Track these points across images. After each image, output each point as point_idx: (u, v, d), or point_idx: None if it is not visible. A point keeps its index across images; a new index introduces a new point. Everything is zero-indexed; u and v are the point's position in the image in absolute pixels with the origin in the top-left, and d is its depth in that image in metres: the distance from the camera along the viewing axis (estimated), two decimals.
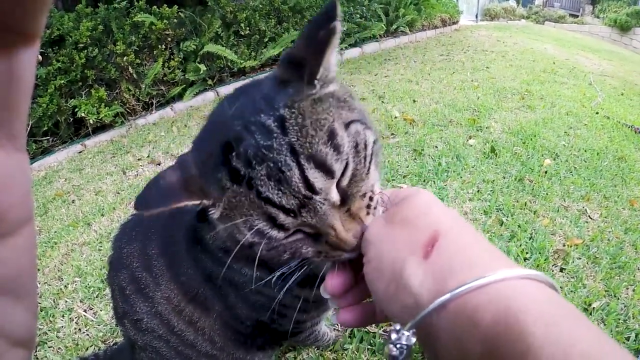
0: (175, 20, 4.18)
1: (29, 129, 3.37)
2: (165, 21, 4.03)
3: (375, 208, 0.55)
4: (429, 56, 5.44)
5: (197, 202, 0.52)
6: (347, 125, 0.52)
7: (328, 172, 0.49)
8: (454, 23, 7.49)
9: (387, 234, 0.46)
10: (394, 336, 0.39)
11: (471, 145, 2.62)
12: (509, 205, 1.98)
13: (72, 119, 3.67)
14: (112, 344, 1.41)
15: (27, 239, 0.22)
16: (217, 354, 0.92)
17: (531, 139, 2.68)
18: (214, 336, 0.89)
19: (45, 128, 3.48)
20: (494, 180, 2.21)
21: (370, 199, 0.55)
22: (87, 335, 1.50)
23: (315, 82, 0.51)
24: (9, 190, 0.20)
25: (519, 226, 1.83)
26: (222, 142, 0.51)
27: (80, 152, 3.57)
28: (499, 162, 2.40)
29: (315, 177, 0.48)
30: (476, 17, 11.47)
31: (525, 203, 2.01)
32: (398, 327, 0.39)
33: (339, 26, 0.49)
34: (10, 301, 0.22)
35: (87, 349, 1.43)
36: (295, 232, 0.53)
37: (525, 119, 3.10)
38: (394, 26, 6.19)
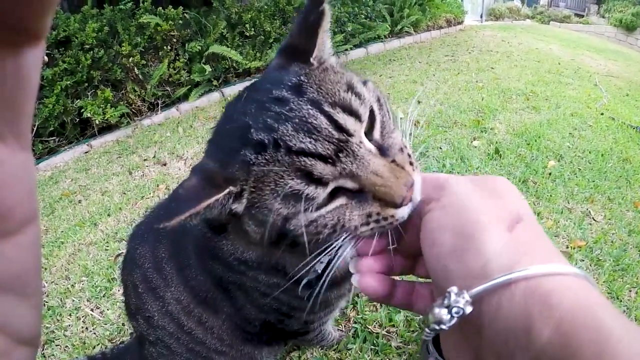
0: (180, 22, 4.20)
1: (35, 129, 3.41)
2: (170, 22, 4.05)
3: (416, 167, 0.52)
4: (434, 57, 5.44)
5: (225, 192, 0.50)
6: (364, 83, 0.55)
7: (355, 115, 0.49)
8: (458, 23, 7.48)
9: (474, 192, 0.43)
10: (452, 297, 0.37)
11: (475, 147, 2.62)
12: None
13: (78, 120, 3.70)
14: (118, 342, 1.43)
15: (32, 238, 0.22)
16: (226, 350, 0.94)
17: (535, 141, 2.68)
18: (223, 334, 0.91)
19: (52, 128, 3.51)
20: None
21: (409, 155, 0.53)
22: (94, 334, 1.51)
23: (312, 60, 0.53)
24: (14, 188, 0.20)
25: None
26: (239, 126, 0.52)
27: (86, 153, 3.60)
28: (503, 163, 2.40)
29: (344, 119, 0.48)
30: (481, 17, 11.43)
31: (529, 205, 2.01)
32: (456, 289, 0.37)
33: (327, 8, 0.52)
34: (16, 299, 0.22)
35: (94, 347, 1.45)
36: (335, 196, 0.50)
37: (529, 120, 3.10)
38: (399, 27, 6.19)
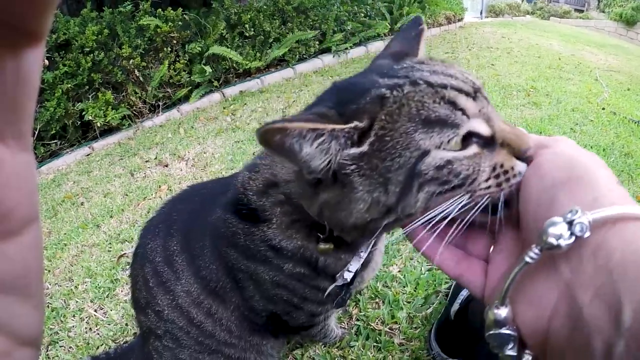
0: (180, 23, 4.20)
1: (37, 132, 3.43)
2: (170, 24, 4.05)
3: None
4: (434, 54, 5.42)
5: (351, 125, 0.50)
6: None
7: (475, 81, 0.54)
8: (458, 20, 7.47)
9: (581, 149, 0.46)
10: (578, 214, 0.36)
11: None
12: None
13: (79, 122, 3.71)
14: (122, 342, 1.43)
15: (33, 238, 0.22)
16: (235, 342, 0.95)
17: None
18: (232, 325, 0.92)
19: (53, 132, 3.52)
20: None
21: None
22: (98, 334, 1.52)
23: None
24: (15, 189, 0.20)
25: None
26: (363, 83, 0.55)
27: (88, 155, 3.61)
28: None
29: (472, 75, 0.55)
30: (481, 14, 11.43)
31: None
32: (580, 208, 0.36)
33: (425, 28, 0.67)
34: (18, 300, 0.22)
35: (97, 347, 1.45)
36: (468, 143, 0.50)
37: (530, 115, 3.09)
38: (398, 24, 6.17)
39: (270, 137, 0.48)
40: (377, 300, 1.45)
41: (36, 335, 0.25)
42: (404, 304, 1.41)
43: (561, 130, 2.80)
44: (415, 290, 1.46)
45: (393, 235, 1.70)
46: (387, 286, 1.50)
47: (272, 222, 0.75)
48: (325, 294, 0.79)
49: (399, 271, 1.56)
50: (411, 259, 1.60)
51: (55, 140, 3.63)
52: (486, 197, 0.49)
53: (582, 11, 14.58)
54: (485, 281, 0.48)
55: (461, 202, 0.49)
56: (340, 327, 1.36)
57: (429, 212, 0.50)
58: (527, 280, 0.41)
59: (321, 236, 0.71)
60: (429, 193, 0.49)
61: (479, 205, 0.49)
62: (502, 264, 0.47)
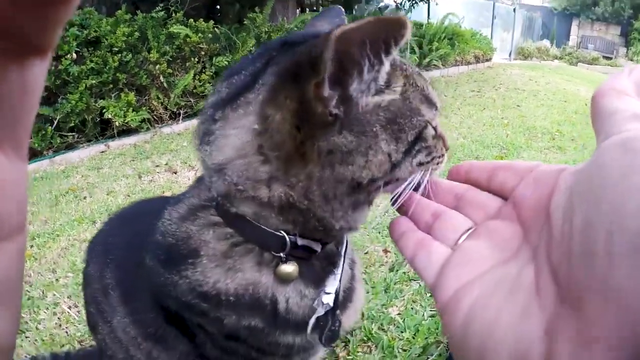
0: (210, 35, 4.28)
1: (56, 123, 3.47)
2: (200, 35, 4.13)
3: None
4: (460, 91, 5.40)
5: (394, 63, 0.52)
6: None
7: None
8: (487, 60, 7.47)
9: None
10: None
11: None
12: None
13: (99, 119, 3.76)
14: (87, 345, 1.36)
15: (18, 246, 0.22)
16: None
17: None
18: None
19: (72, 124, 3.57)
20: None
21: None
22: (66, 332, 1.45)
23: None
24: (7, 197, 0.20)
25: None
26: None
27: (102, 152, 3.64)
28: None
29: None
30: (509, 55, 11.46)
31: None
32: None
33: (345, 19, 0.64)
34: None
35: (62, 345, 1.38)
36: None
37: (554, 159, 2.99)
38: (427, 59, 6.19)
39: (349, 44, 0.42)
40: (369, 344, 1.32)
41: (9, 346, 0.23)
42: (399, 352, 1.27)
43: None
44: (414, 338, 1.31)
45: (397, 273, 1.60)
46: (382, 329, 1.36)
47: (199, 256, 0.57)
48: (309, 330, 0.61)
49: (399, 314, 1.43)
50: (414, 302, 1.48)
51: (73, 133, 3.67)
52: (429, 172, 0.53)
53: (610, 58, 14.45)
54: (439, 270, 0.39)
55: (421, 173, 0.52)
56: None
57: (407, 180, 0.51)
58: None
59: (282, 255, 0.56)
60: (417, 160, 0.52)
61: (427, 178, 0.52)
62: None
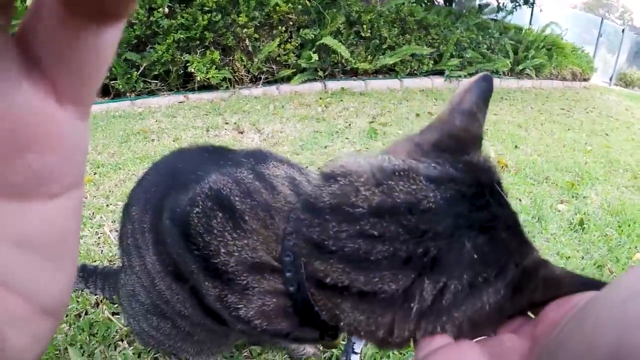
0: (300, 7, 4.30)
1: (141, 69, 3.69)
2: (290, 5, 4.16)
3: None
4: (548, 106, 5.03)
5: None
6: None
7: None
8: (584, 80, 6.89)
9: None
10: None
11: (559, 211, 2.30)
12: None
13: (182, 72, 3.93)
14: (115, 265, 1.45)
15: (74, 203, 0.22)
16: (189, 315, 0.88)
17: (629, 225, 2.27)
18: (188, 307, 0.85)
19: (156, 73, 3.76)
20: (569, 257, 1.88)
21: None
22: (101, 250, 1.56)
23: None
24: (66, 153, 0.20)
25: None
26: None
27: (180, 102, 3.81)
28: (583, 238, 2.06)
29: None
30: (610, 79, 10.53)
31: None
32: None
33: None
34: (48, 265, 0.22)
35: (94, 261, 1.49)
36: None
37: (630, 200, 2.67)
38: (520, 66, 5.80)
39: None
40: None
41: (60, 306, 0.24)
42: None
43: None
44: None
45: None
46: None
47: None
48: None
49: None
50: None
51: (157, 81, 3.87)
52: None
53: None
54: None
55: None
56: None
57: None
58: None
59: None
60: None
61: None
62: None
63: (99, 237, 1.62)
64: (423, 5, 5.63)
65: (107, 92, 3.72)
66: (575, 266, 1.83)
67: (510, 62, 5.65)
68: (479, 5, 7.12)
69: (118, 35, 0.19)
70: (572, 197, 2.52)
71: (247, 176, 0.61)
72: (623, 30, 11.93)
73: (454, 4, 6.82)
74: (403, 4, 5.22)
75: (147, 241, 0.82)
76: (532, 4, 7.28)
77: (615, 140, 4.10)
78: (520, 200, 2.35)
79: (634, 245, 2.11)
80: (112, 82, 3.63)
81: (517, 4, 6.73)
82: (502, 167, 2.81)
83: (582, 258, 1.91)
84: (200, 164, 0.76)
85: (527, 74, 5.98)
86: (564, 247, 1.96)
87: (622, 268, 1.89)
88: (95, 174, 2.18)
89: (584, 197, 2.55)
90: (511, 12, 6.79)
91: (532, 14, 8.26)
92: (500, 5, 6.84)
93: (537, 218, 2.17)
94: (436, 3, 6.64)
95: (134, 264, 0.87)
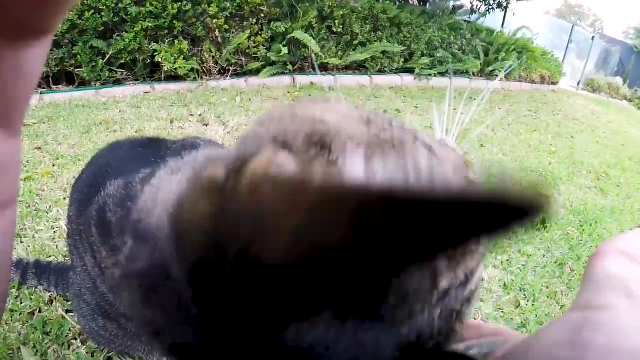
0: None
1: (107, 58, 3.60)
2: None
3: None
4: (516, 108, 5.18)
5: None
6: None
7: None
8: (553, 83, 7.10)
9: None
10: None
11: None
12: (536, 289, 1.72)
13: (150, 61, 3.86)
14: (69, 261, 1.45)
15: (7, 222, 0.22)
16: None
17: (591, 225, 2.40)
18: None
19: (123, 61, 3.69)
20: (530, 255, 1.96)
21: None
22: (56, 246, 1.55)
23: None
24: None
25: (536, 316, 1.58)
26: None
27: (146, 93, 3.75)
28: (545, 237, 2.15)
29: None
30: (578, 84, 10.89)
31: (556, 293, 1.76)
32: None
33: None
34: None
35: (49, 256, 1.49)
36: None
37: (593, 201, 2.81)
38: (491, 67, 5.93)
39: None
40: None
41: None
42: None
43: (620, 228, 2.51)
44: None
45: None
46: None
47: None
48: None
49: None
50: None
51: (123, 70, 3.79)
52: None
53: None
54: None
55: None
56: None
57: None
58: None
59: None
60: None
61: None
62: None
63: (54, 232, 1.61)
64: (397, 3, 5.67)
65: (72, 80, 3.63)
66: (537, 264, 1.92)
67: (480, 64, 5.78)
68: (453, 6, 7.22)
69: (45, 52, 0.19)
70: None
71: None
72: (593, 38, 12.30)
73: (428, 4, 6.89)
74: (377, 0, 5.26)
75: (84, 242, 0.83)
76: (505, 8, 7.44)
77: (580, 143, 4.25)
78: None
79: (595, 244, 2.21)
80: (76, 70, 3.54)
81: (490, 7, 6.86)
82: (466, 164, 2.89)
83: (544, 256, 2.00)
84: (131, 162, 0.75)
85: (497, 75, 6.14)
86: (525, 245, 2.04)
87: (582, 266, 1.98)
88: (54, 165, 2.15)
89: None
90: (484, 15, 6.93)
91: (504, 18, 8.42)
92: (474, 7, 6.96)
93: None
94: (410, 2, 6.69)
95: (77, 264, 0.86)
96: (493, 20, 7.66)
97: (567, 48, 10.98)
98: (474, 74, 5.87)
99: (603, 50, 13.92)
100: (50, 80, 3.48)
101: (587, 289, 0.25)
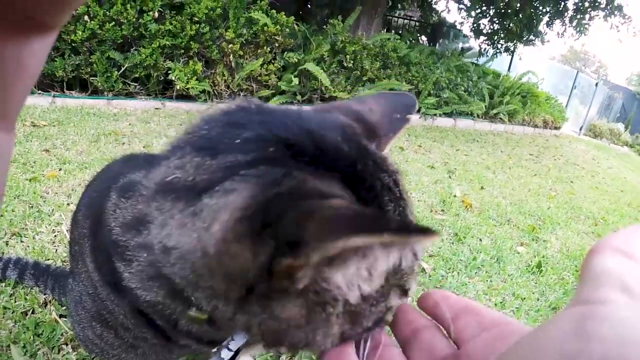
0: (287, 30, 4.41)
1: (122, 70, 3.71)
2: (278, 27, 4.27)
3: None
4: (518, 151, 5.25)
5: None
6: None
7: None
8: (555, 128, 7.22)
9: None
10: None
11: (518, 253, 2.36)
12: None
13: (163, 78, 3.97)
14: (68, 267, 1.45)
15: None
16: (131, 327, 0.88)
17: None
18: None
19: (137, 75, 3.80)
20: (525, 298, 1.92)
21: None
22: (56, 250, 1.55)
23: None
24: None
25: None
26: None
27: (156, 109, 3.84)
28: (540, 281, 2.13)
29: None
30: (580, 129, 10.99)
31: None
32: None
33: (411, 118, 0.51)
34: None
35: (48, 259, 1.48)
36: None
37: (589, 246, 2.78)
38: (495, 110, 6.05)
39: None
40: None
41: None
42: None
43: None
44: None
45: None
46: None
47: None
48: None
49: None
50: None
51: (136, 84, 3.90)
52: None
53: None
54: None
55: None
56: None
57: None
58: None
59: None
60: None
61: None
62: None
63: (55, 236, 1.61)
64: (407, 42, 5.84)
65: (85, 87, 3.72)
66: (530, 307, 1.88)
67: (485, 106, 5.90)
68: (462, 48, 7.42)
69: (47, 50, 0.19)
70: (533, 240, 2.61)
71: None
72: (597, 84, 12.57)
73: (437, 45, 7.09)
74: (388, 39, 5.42)
75: (87, 248, 0.84)
76: (512, 52, 7.64)
77: (579, 188, 4.29)
78: (480, 240, 2.40)
79: None
80: (91, 78, 3.63)
81: (498, 51, 7.06)
82: (466, 206, 2.89)
83: (538, 299, 1.96)
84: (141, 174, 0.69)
85: (501, 119, 6.24)
86: (520, 288, 2.00)
87: None
88: (60, 169, 2.18)
89: (544, 240, 2.64)
90: (492, 59, 7.13)
91: (511, 62, 8.63)
92: (482, 50, 7.15)
93: (496, 258, 2.21)
94: (421, 42, 6.88)
95: (80, 270, 0.87)
96: (500, 64, 7.85)
97: (570, 93, 11.16)
98: (478, 115, 5.97)
99: (606, 96, 14.15)
100: (65, 84, 3.57)
101: (585, 285, 0.26)
